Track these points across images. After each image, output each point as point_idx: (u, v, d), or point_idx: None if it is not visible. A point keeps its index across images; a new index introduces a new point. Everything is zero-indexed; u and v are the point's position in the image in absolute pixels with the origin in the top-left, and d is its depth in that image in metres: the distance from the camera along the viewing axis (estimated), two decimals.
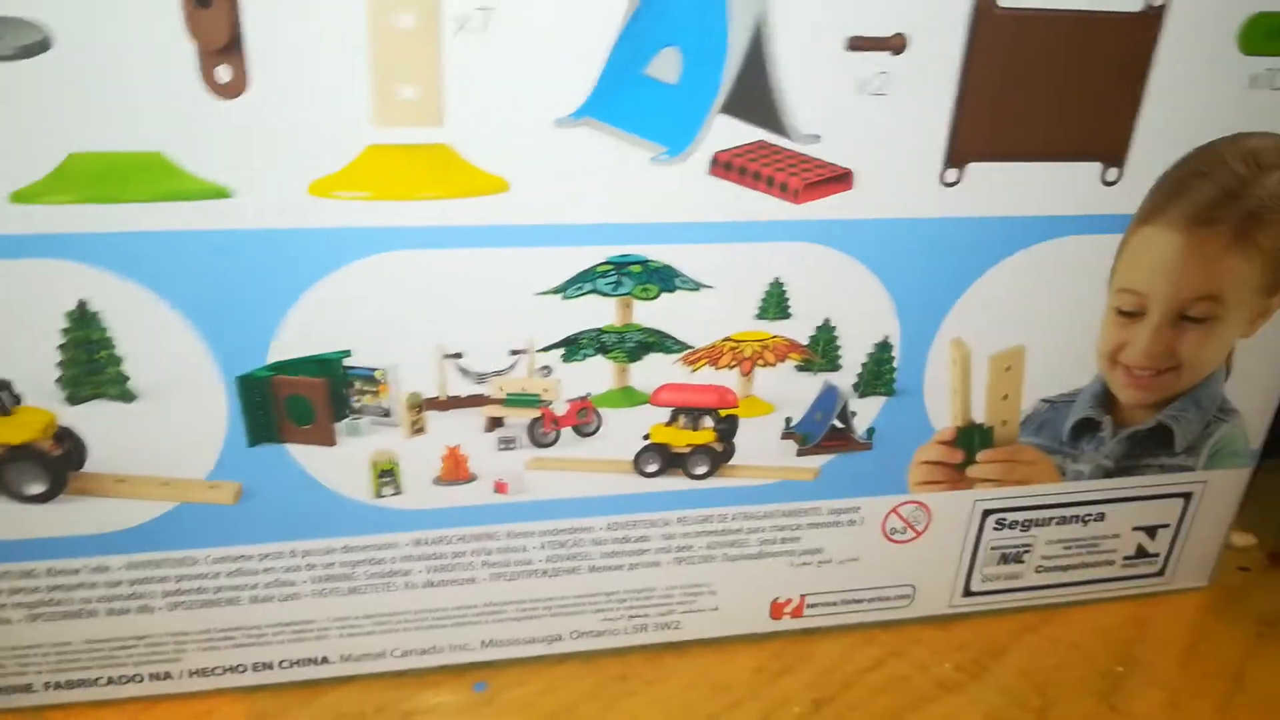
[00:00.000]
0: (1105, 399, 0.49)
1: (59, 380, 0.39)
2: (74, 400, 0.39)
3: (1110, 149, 0.43)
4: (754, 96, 0.39)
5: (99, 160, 0.35)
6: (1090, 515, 0.52)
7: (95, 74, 0.34)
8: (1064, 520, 0.52)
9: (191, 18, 0.34)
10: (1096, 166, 0.43)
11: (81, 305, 0.37)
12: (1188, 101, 0.42)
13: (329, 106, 0.36)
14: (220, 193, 0.36)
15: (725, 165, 0.40)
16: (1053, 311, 0.46)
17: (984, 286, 0.45)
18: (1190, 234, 0.45)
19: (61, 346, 0.38)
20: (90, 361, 0.38)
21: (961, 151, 0.41)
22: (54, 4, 0.33)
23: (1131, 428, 0.50)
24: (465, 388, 0.42)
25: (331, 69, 0.35)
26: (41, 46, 0.33)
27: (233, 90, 0.35)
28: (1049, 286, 0.46)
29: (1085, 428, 0.50)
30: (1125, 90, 0.42)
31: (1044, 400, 0.49)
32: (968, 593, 0.53)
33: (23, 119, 0.34)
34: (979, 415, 0.48)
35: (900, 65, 0.39)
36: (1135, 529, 0.53)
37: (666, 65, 0.38)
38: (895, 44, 0.39)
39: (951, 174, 0.42)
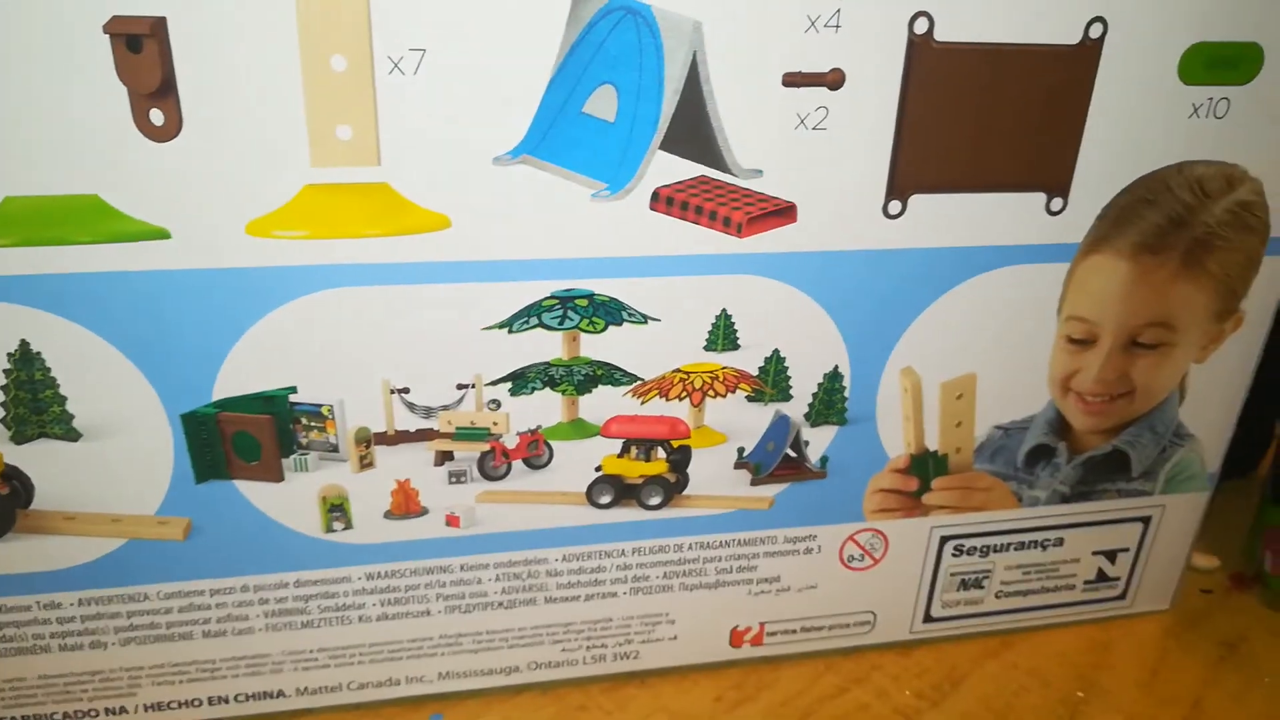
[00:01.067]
0: (1059, 425, 0.49)
1: (3, 420, 0.39)
2: (19, 440, 0.39)
3: (1053, 179, 0.43)
4: (693, 133, 0.39)
5: (36, 203, 0.35)
6: (1049, 540, 0.52)
7: (29, 118, 0.34)
8: (1022, 546, 0.52)
9: (122, 63, 0.34)
10: (1041, 196, 0.43)
11: (24, 346, 0.38)
12: (1130, 131, 0.43)
13: (264, 147, 0.36)
14: (158, 233, 0.37)
15: (667, 201, 0.40)
16: (1003, 339, 0.46)
17: (933, 315, 0.45)
18: (1138, 262, 0.45)
19: (4, 388, 0.38)
20: (34, 401, 0.39)
21: (903, 184, 0.42)
22: None
23: (1087, 453, 0.50)
24: (413, 422, 0.42)
25: (266, 111, 0.35)
26: None
27: (166, 134, 0.35)
28: (998, 315, 0.46)
29: (1040, 454, 0.50)
30: (1066, 121, 0.42)
31: (998, 427, 0.49)
32: (928, 619, 0.53)
33: None
34: (933, 443, 0.48)
35: (839, 100, 0.39)
36: (1095, 553, 0.53)
37: (603, 102, 0.38)
38: (832, 79, 0.39)
39: (894, 206, 0.42)
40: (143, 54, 0.34)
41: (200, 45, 0.34)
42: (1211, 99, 0.43)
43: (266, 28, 0.34)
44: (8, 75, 0.33)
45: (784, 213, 0.41)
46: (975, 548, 0.51)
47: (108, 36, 0.33)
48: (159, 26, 0.34)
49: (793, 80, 0.39)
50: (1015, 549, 0.52)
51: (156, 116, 0.35)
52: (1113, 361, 0.47)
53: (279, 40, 0.34)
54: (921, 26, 0.39)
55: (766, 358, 0.44)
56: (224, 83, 0.35)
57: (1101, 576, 0.54)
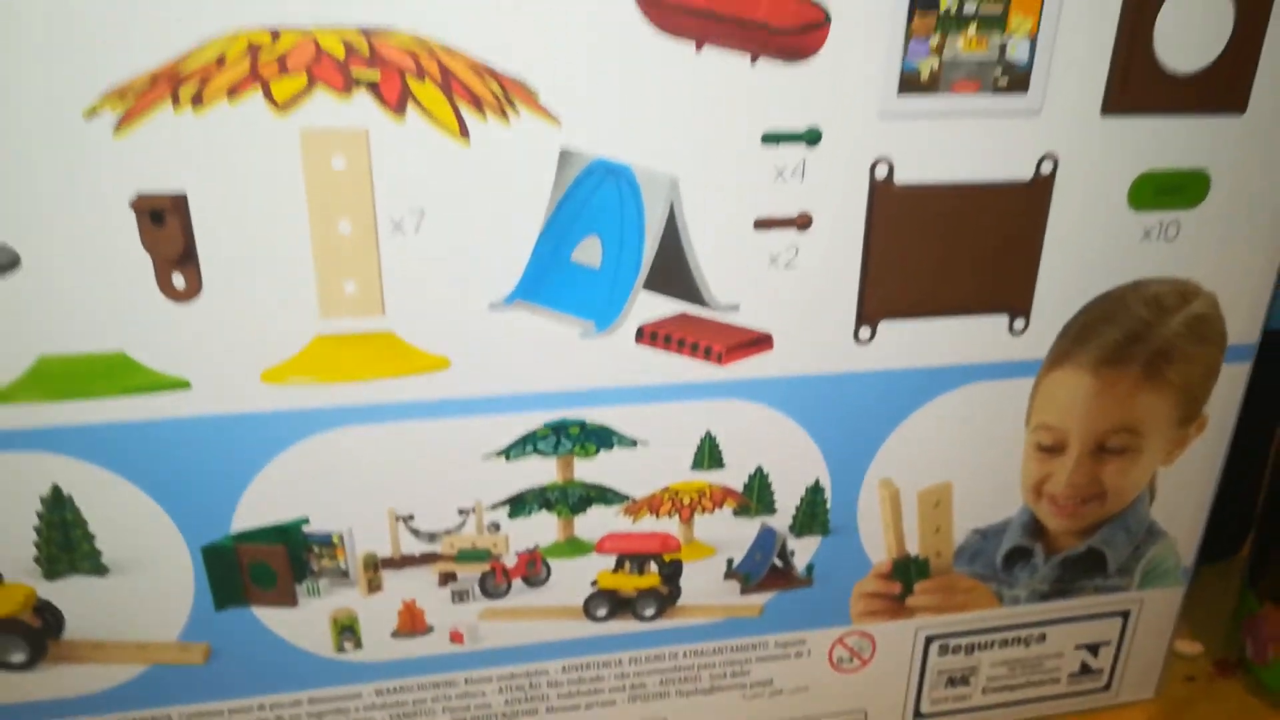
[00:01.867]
0: (1034, 527, 0.51)
1: (37, 558, 0.42)
2: (51, 576, 0.42)
3: (1015, 302, 0.46)
4: (673, 274, 0.42)
5: (67, 362, 0.38)
6: (1032, 636, 0.54)
7: (62, 286, 0.37)
8: (1006, 643, 0.54)
9: (147, 234, 0.37)
10: (1004, 317, 0.46)
11: (55, 490, 0.40)
12: (1086, 255, 0.46)
13: (277, 304, 0.39)
14: (180, 384, 0.40)
15: (651, 335, 0.43)
16: (975, 449, 0.49)
17: (907, 429, 0.48)
18: (1101, 374, 0.48)
19: (38, 528, 0.41)
20: (65, 540, 0.41)
21: (872, 312, 0.45)
22: (22, 226, 0.36)
23: (1063, 553, 0.52)
24: (418, 546, 0.45)
25: (279, 271, 0.39)
26: (13, 265, 0.37)
27: (188, 295, 0.38)
28: (969, 427, 0.48)
29: (1018, 555, 0.52)
30: (1024, 249, 0.45)
31: (975, 531, 0.51)
32: (918, 715, 0.55)
33: None
34: (913, 548, 0.50)
35: (808, 240, 0.42)
36: (1077, 647, 0.55)
37: (589, 251, 0.41)
38: (800, 222, 0.42)
39: (864, 332, 0.45)
40: (165, 226, 0.37)
41: (217, 216, 0.37)
42: (1162, 222, 0.46)
43: (278, 198, 0.37)
44: (42, 246, 0.36)
45: (761, 342, 0.44)
46: (960, 646, 0.53)
47: (134, 213, 0.37)
48: (180, 202, 0.37)
49: (764, 224, 0.42)
50: (999, 646, 0.54)
51: (178, 280, 0.38)
52: (1082, 467, 0.50)
53: (290, 208, 0.38)
54: (882, 171, 0.42)
55: (750, 474, 0.47)
56: (240, 248, 0.38)
57: (1085, 669, 0.56)
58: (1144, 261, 0.46)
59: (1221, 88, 0.44)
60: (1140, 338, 0.48)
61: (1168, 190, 0.45)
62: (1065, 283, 0.46)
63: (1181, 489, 0.53)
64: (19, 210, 0.36)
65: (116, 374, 0.39)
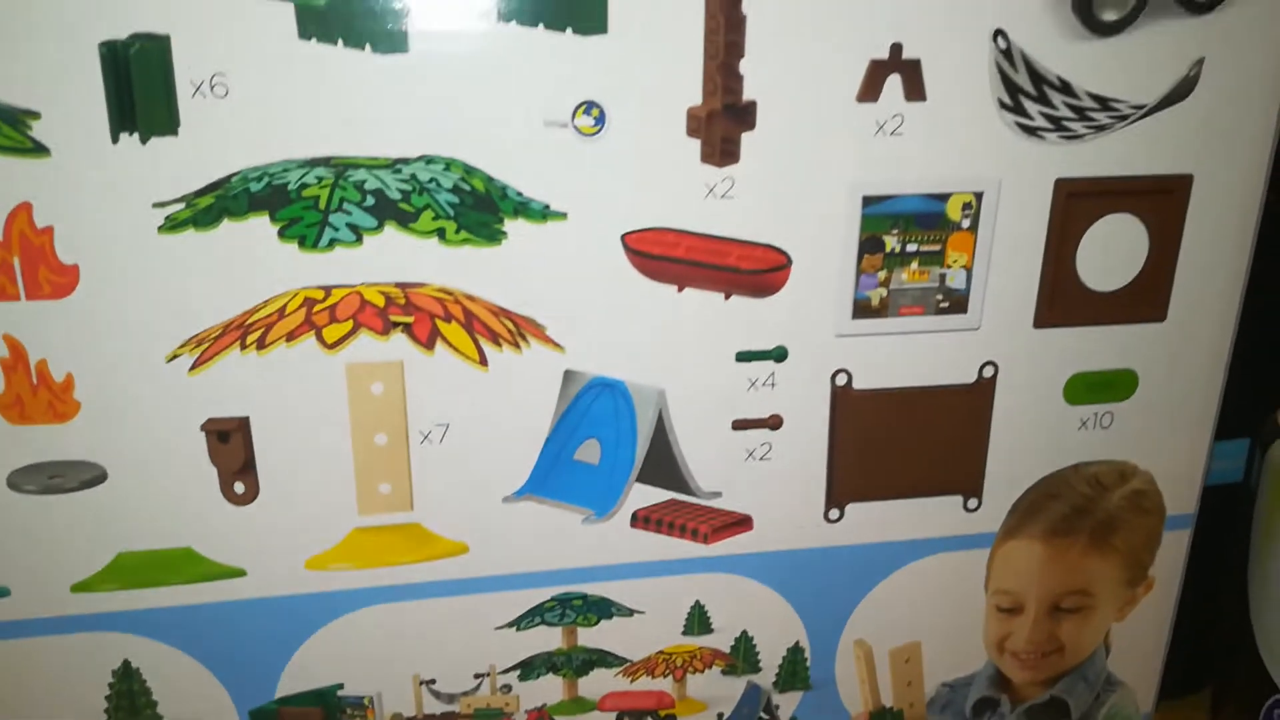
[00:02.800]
0: (999, 679, 0.57)
1: None
2: None
3: (967, 485, 0.52)
4: (663, 468, 0.48)
5: (141, 556, 0.45)
6: None
7: (140, 494, 0.44)
8: None
9: (214, 451, 0.44)
10: (958, 498, 0.52)
11: (125, 665, 0.47)
12: (1028, 444, 0.52)
13: (322, 504, 0.46)
14: (237, 573, 0.46)
15: (644, 520, 0.49)
16: (940, 611, 0.54)
17: (877, 595, 0.53)
18: (1051, 543, 0.54)
19: (109, 697, 0.47)
20: (131, 707, 0.47)
21: (839, 496, 0.51)
22: (110, 447, 0.43)
23: (1028, 703, 0.57)
24: (439, 707, 0.51)
25: (324, 477, 0.45)
26: (100, 479, 0.44)
27: (246, 499, 0.45)
28: (933, 592, 0.54)
29: (985, 705, 0.57)
30: (972, 440, 0.51)
31: (944, 684, 0.56)
32: None
33: (82, 530, 0.44)
34: (888, 700, 0.56)
35: (779, 437, 0.49)
36: None
37: (590, 451, 0.48)
38: (773, 423, 0.49)
39: (834, 513, 0.51)
40: (230, 444, 0.44)
41: (274, 434, 0.44)
42: (1097, 414, 0.52)
43: (325, 418, 0.44)
44: (125, 462, 0.43)
45: (742, 523, 0.50)
46: None
47: (204, 434, 0.44)
48: (243, 423, 0.44)
49: (740, 424, 0.48)
50: None
51: (239, 487, 0.45)
52: (1040, 625, 0.55)
53: (335, 426, 0.45)
54: (842, 380, 0.48)
55: (736, 638, 0.53)
56: (292, 459, 0.45)
57: None
58: (1082, 448, 0.52)
59: (1142, 301, 0.50)
60: (1085, 511, 0.54)
61: (1099, 387, 0.51)
62: (1012, 467, 0.52)
63: (1135, 642, 0.58)
64: (108, 434, 0.43)
65: (183, 566, 0.45)
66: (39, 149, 0.38)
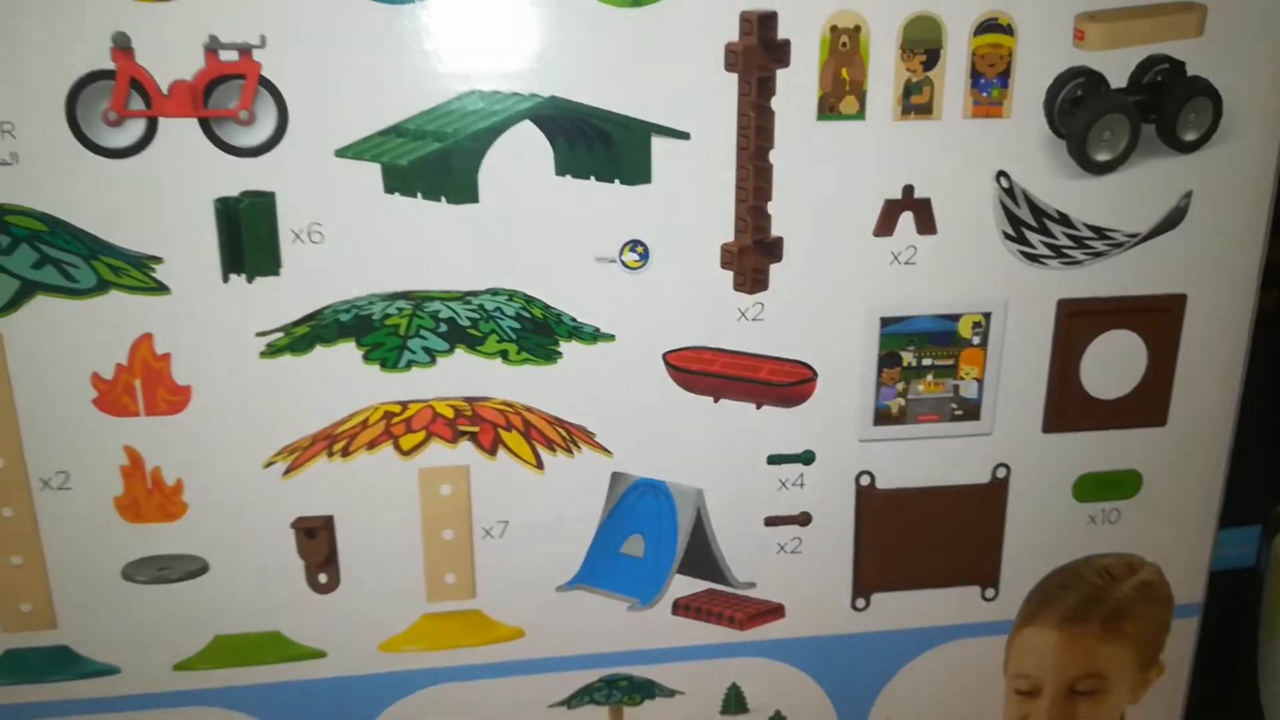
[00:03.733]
0: None
1: None
2: None
3: (984, 576, 0.56)
4: (701, 560, 0.53)
5: (236, 639, 0.51)
6: None
7: (236, 584, 0.50)
8: None
9: (301, 545, 0.49)
10: (976, 588, 0.56)
11: None
12: (1040, 538, 0.56)
13: (394, 592, 0.51)
14: (318, 654, 0.51)
15: (685, 607, 0.54)
16: (962, 694, 0.58)
17: (902, 678, 0.57)
18: (1065, 630, 0.58)
19: None
20: None
21: (865, 585, 0.55)
22: (209, 542, 0.49)
23: None
24: None
25: (397, 568, 0.51)
26: (202, 570, 0.49)
27: (328, 588, 0.50)
28: (954, 675, 0.58)
29: None
30: (988, 535, 0.55)
31: None
32: None
33: (185, 615, 0.50)
34: None
35: (809, 532, 0.53)
36: None
37: (635, 546, 0.53)
38: (802, 519, 0.53)
39: (860, 602, 0.55)
40: (316, 539, 0.49)
41: (354, 530, 0.50)
42: (1105, 510, 0.56)
43: (400, 516, 0.50)
44: (223, 556, 0.49)
45: (774, 611, 0.55)
46: None
47: (293, 531, 0.49)
48: (328, 521, 0.49)
49: (772, 521, 0.53)
50: None
51: (322, 577, 0.50)
52: (1058, 707, 0.59)
53: (408, 523, 0.50)
54: (865, 480, 0.53)
55: (770, 716, 0.57)
56: (370, 552, 0.50)
57: None
58: (1092, 542, 0.56)
59: (1144, 407, 0.54)
60: (1096, 600, 0.57)
61: (1106, 486, 0.56)
62: (1026, 560, 0.56)
63: None
64: (211, 531, 0.49)
65: (272, 648, 0.51)
66: (160, 288, 0.45)
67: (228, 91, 0.42)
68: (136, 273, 0.44)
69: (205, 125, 0.42)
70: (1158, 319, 0.53)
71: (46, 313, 0.44)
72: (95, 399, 0.46)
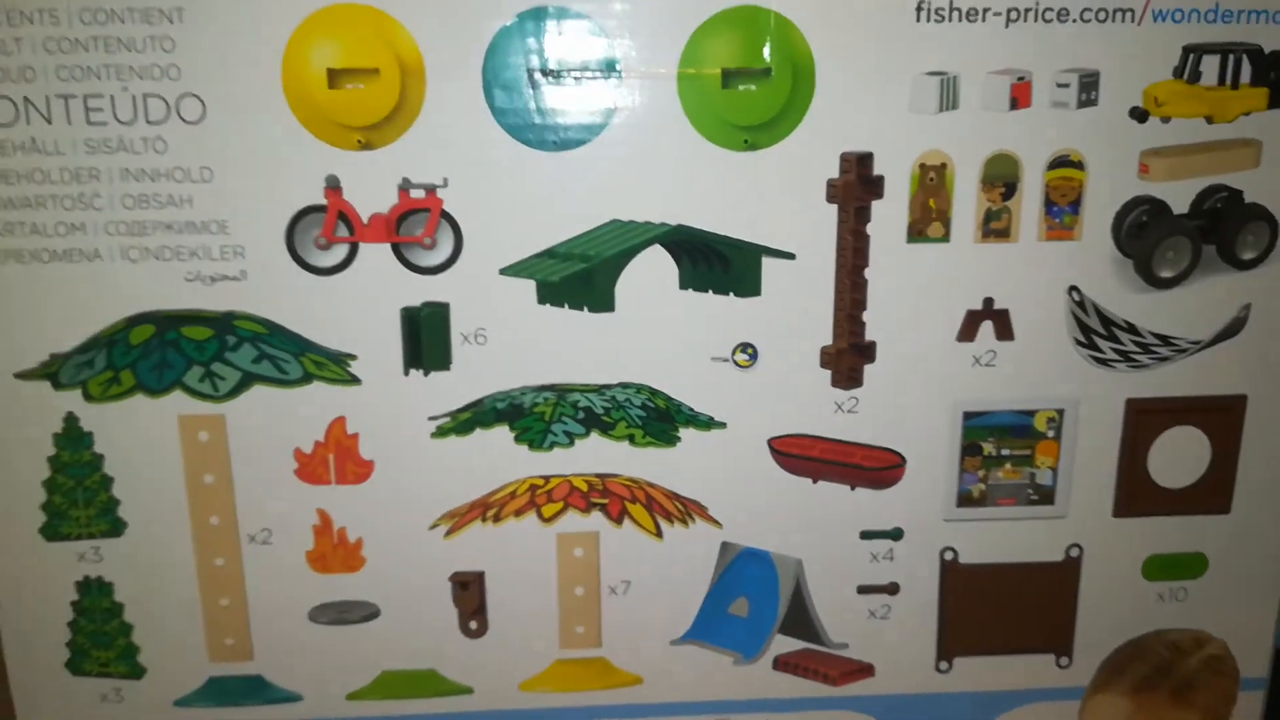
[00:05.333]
0: None
1: None
2: None
3: (1059, 645, 0.62)
4: (799, 622, 0.60)
5: (400, 675, 0.59)
6: None
7: (401, 628, 0.58)
8: None
9: (456, 596, 0.58)
10: (1051, 656, 0.62)
11: None
12: (1112, 612, 0.61)
13: (533, 639, 0.59)
14: (466, 690, 0.60)
15: (784, 664, 0.61)
16: None
17: None
18: (1136, 698, 0.63)
19: None
20: None
21: (948, 650, 0.61)
22: (381, 591, 0.58)
23: None
24: None
25: (535, 618, 0.59)
26: (374, 615, 0.58)
27: (478, 634, 0.59)
28: None
29: None
30: (1062, 608, 0.61)
31: None
32: None
33: (357, 653, 0.59)
34: None
35: (897, 601, 0.60)
36: None
37: (740, 607, 0.60)
38: (891, 589, 0.60)
39: (943, 665, 0.62)
40: (468, 591, 0.58)
41: (502, 584, 0.58)
42: (1172, 589, 0.61)
43: (540, 572, 0.58)
44: (394, 604, 0.58)
45: (865, 670, 0.61)
46: None
47: (450, 583, 0.58)
48: (479, 576, 0.58)
49: (864, 589, 0.60)
50: None
51: (473, 624, 0.59)
52: None
53: (546, 579, 0.58)
54: (949, 555, 0.60)
55: None
56: (513, 604, 0.58)
57: None
58: (1160, 617, 0.62)
59: (1208, 496, 0.60)
60: (1165, 672, 0.62)
61: (1173, 567, 0.61)
62: (1098, 632, 0.62)
63: None
64: (383, 582, 0.58)
65: (428, 683, 0.59)
66: (354, 380, 0.54)
67: (415, 222, 0.51)
68: (335, 367, 0.54)
69: (396, 249, 0.52)
70: (1220, 417, 0.58)
71: (261, 399, 0.54)
72: (296, 469, 0.55)
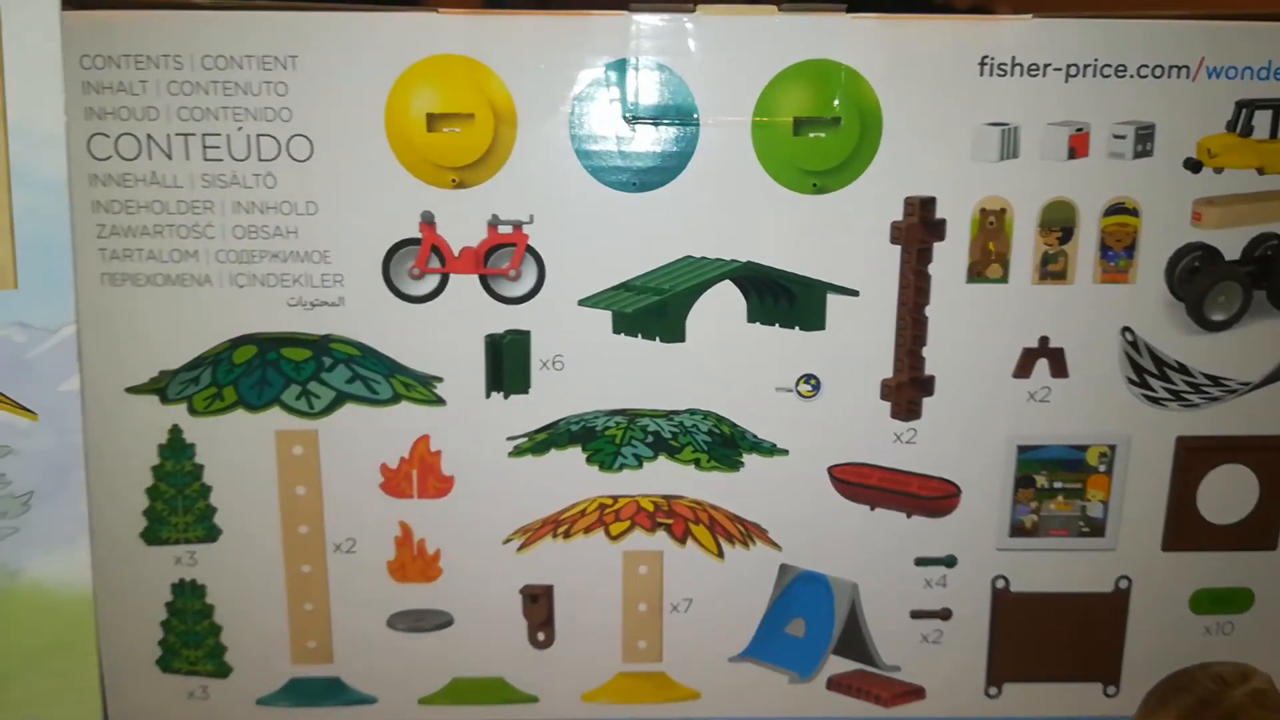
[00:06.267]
0: None
1: None
2: None
3: (1106, 674, 0.64)
4: (853, 644, 0.63)
5: (469, 682, 0.62)
6: None
7: (482, 637, 0.61)
8: None
9: (526, 608, 0.61)
10: (1099, 685, 0.64)
11: None
12: (1160, 644, 0.63)
13: (597, 652, 0.62)
14: (531, 699, 0.63)
15: (838, 684, 0.63)
16: None
17: None
18: None
19: None
20: None
21: (998, 676, 0.63)
22: (455, 601, 0.61)
23: None
24: None
25: (600, 631, 0.62)
26: (449, 624, 0.61)
27: (545, 645, 0.62)
28: None
29: None
30: (1111, 638, 0.63)
31: None
32: None
33: (431, 660, 0.62)
34: None
35: (950, 626, 0.62)
36: None
37: (797, 627, 0.62)
38: (944, 614, 0.62)
39: (993, 690, 0.64)
40: (538, 604, 0.61)
41: (569, 598, 0.61)
42: (1219, 623, 0.63)
43: (605, 589, 0.61)
44: (467, 615, 0.61)
45: (915, 693, 0.63)
46: None
47: (521, 596, 0.61)
48: (549, 590, 0.61)
49: (918, 614, 0.62)
50: None
51: (541, 636, 0.62)
52: None
53: (610, 594, 0.61)
54: (1001, 584, 0.62)
55: None
56: (579, 617, 0.61)
57: None
58: (1207, 650, 0.63)
59: (1256, 533, 0.61)
60: (1210, 704, 0.64)
61: (1220, 601, 0.62)
62: (1145, 662, 0.63)
63: None
64: (459, 592, 0.61)
65: (496, 691, 0.62)
66: (439, 400, 0.58)
67: (502, 256, 0.55)
68: (422, 389, 0.57)
69: (483, 280, 0.55)
70: (1269, 456, 0.60)
71: (352, 417, 0.57)
72: (381, 484, 0.59)
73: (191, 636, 0.61)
